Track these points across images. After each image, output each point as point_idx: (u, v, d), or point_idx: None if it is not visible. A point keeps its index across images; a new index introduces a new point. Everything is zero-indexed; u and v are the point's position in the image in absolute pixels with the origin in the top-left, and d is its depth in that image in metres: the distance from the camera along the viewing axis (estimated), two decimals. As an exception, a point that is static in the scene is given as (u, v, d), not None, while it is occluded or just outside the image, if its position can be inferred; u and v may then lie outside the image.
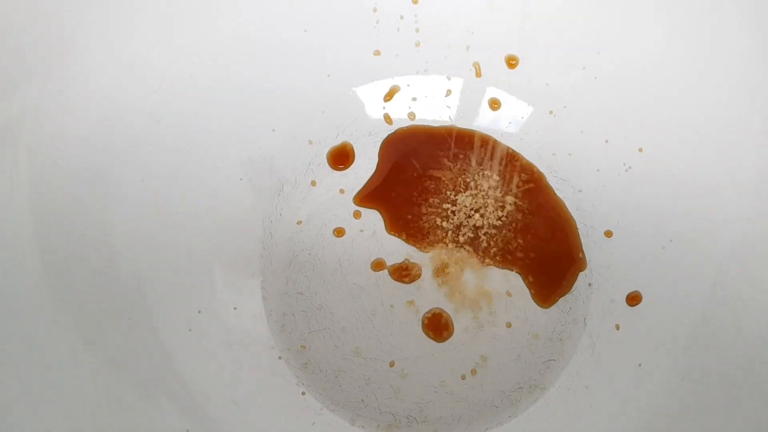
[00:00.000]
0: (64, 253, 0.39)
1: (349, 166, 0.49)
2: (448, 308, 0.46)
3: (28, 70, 0.38)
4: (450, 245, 0.47)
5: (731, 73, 0.42)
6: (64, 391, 0.37)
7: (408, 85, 0.49)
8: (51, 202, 0.39)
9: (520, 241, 0.47)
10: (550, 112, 0.48)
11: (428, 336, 0.46)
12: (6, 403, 0.35)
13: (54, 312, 0.38)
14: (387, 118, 0.49)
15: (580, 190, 0.48)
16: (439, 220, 0.47)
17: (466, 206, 0.47)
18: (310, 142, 0.48)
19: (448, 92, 0.49)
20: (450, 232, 0.47)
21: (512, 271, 0.47)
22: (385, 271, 0.47)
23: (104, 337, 0.40)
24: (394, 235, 0.48)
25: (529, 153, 0.48)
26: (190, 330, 0.43)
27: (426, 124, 0.49)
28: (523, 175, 0.48)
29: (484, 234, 0.47)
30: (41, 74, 0.39)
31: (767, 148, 0.42)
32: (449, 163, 0.48)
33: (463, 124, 0.49)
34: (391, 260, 0.47)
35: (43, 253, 0.38)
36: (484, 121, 0.49)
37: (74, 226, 0.40)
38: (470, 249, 0.47)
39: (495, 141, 0.48)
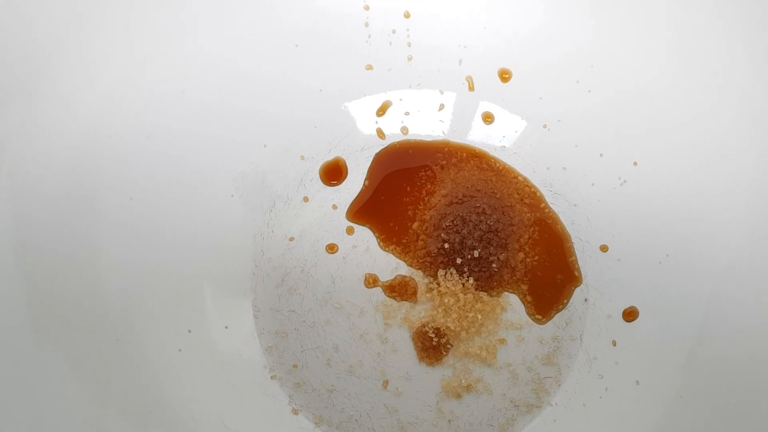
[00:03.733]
0: (51, 273, 0.39)
1: (341, 181, 0.48)
2: (442, 325, 0.45)
3: (12, 90, 0.38)
4: (444, 262, 0.46)
5: (729, 90, 0.42)
6: (50, 415, 0.37)
7: (401, 100, 0.48)
8: (36, 224, 0.38)
9: (515, 257, 0.46)
10: (544, 126, 0.47)
11: (421, 358, 0.45)
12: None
13: (40, 334, 0.38)
14: (380, 133, 0.48)
15: (575, 205, 0.47)
16: (432, 237, 0.47)
17: (460, 222, 0.47)
18: (303, 158, 0.48)
19: (441, 107, 0.48)
20: (444, 249, 0.46)
21: (507, 290, 0.46)
22: (379, 288, 0.46)
23: (92, 358, 0.39)
24: (388, 251, 0.47)
25: (523, 167, 0.48)
26: (180, 350, 0.42)
27: (419, 138, 0.49)
28: (517, 190, 0.48)
29: (478, 250, 0.46)
30: (25, 93, 0.38)
31: (763, 160, 0.42)
32: (443, 179, 0.48)
33: (456, 139, 0.48)
34: (385, 277, 0.47)
35: (29, 274, 0.38)
36: (477, 136, 0.48)
37: (61, 246, 0.39)
38: (465, 266, 0.46)
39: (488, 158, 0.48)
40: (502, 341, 0.45)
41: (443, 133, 0.49)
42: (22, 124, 0.38)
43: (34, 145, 0.38)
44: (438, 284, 0.46)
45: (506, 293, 0.46)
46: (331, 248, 0.47)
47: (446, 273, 0.46)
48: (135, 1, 0.41)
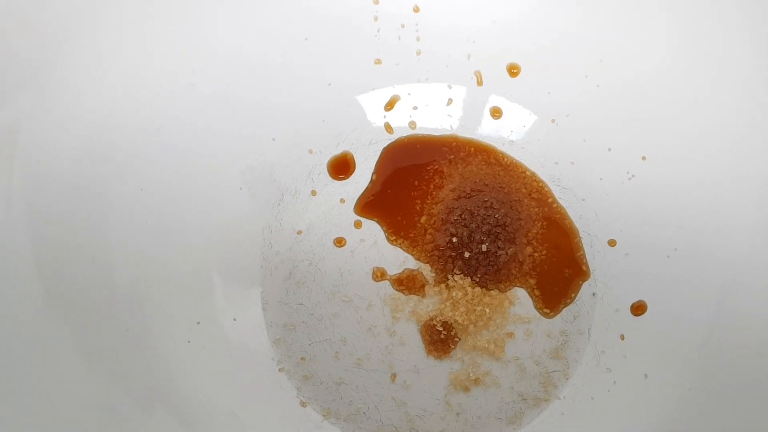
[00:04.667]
0: (62, 265, 0.39)
1: (349, 175, 0.48)
2: (450, 319, 0.45)
3: (22, 82, 0.38)
4: (452, 256, 0.46)
5: (736, 81, 0.42)
6: (62, 405, 0.37)
7: (409, 94, 0.48)
8: (47, 214, 0.38)
9: (523, 251, 0.47)
10: (553, 121, 0.47)
11: (429, 351, 0.45)
12: (3, 417, 0.35)
13: (51, 324, 0.38)
14: (388, 127, 0.49)
15: (583, 199, 0.47)
16: (440, 231, 0.47)
17: (468, 216, 0.47)
18: (311, 152, 0.48)
19: (450, 101, 0.48)
20: (452, 243, 0.46)
21: (515, 285, 0.46)
22: (387, 282, 0.46)
23: (102, 349, 0.39)
24: (396, 245, 0.47)
25: (531, 162, 0.48)
26: (189, 342, 0.43)
27: (427, 133, 0.49)
28: (525, 185, 0.48)
29: (486, 244, 0.46)
30: (35, 86, 0.38)
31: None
32: (451, 173, 0.48)
33: (464, 133, 0.49)
34: (393, 270, 0.47)
35: (40, 265, 0.38)
36: (486, 130, 0.48)
37: (71, 237, 0.39)
38: (474, 259, 0.46)
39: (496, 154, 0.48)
40: (510, 335, 0.45)
41: (451, 127, 0.49)
42: (33, 114, 0.38)
43: (45, 135, 0.38)
44: (445, 277, 0.46)
45: (515, 288, 0.46)
46: (339, 242, 0.47)
47: (454, 266, 0.46)
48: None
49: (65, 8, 0.38)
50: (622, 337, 0.45)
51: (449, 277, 0.46)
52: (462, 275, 0.46)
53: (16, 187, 0.37)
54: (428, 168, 0.48)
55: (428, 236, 0.47)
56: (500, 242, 0.46)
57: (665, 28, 0.43)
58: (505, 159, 0.48)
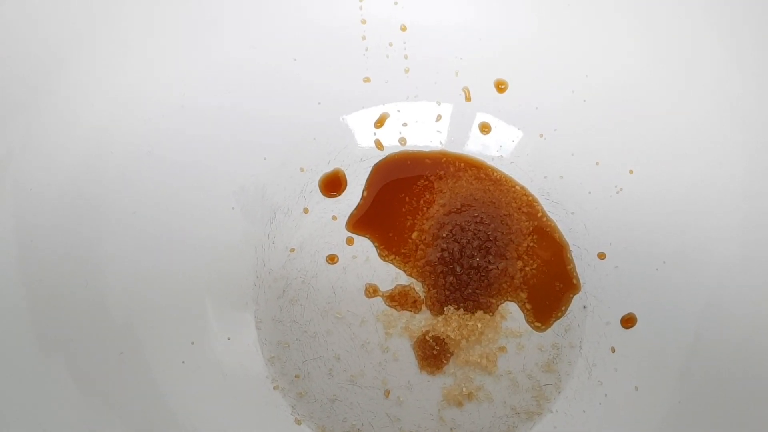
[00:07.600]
0: (54, 287, 0.39)
1: (341, 192, 0.49)
2: (442, 334, 0.46)
3: (12, 109, 0.38)
4: (444, 272, 0.47)
5: (720, 97, 0.42)
6: (54, 427, 0.37)
7: (398, 111, 0.49)
8: (39, 237, 0.39)
9: (514, 265, 0.47)
10: (541, 136, 0.48)
11: (422, 366, 0.45)
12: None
13: (44, 347, 0.38)
14: (378, 144, 0.49)
15: (572, 213, 0.48)
16: (431, 246, 0.47)
17: (459, 231, 0.47)
18: (302, 170, 0.48)
19: (439, 117, 0.49)
20: (444, 258, 0.47)
21: (506, 299, 0.47)
22: (379, 298, 0.47)
23: (95, 372, 0.39)
24: (388, 261, 0.47)
25: (520, 176, 0.48)
26: (183, 362, 0.43)
27: (417, 149, 0.49)
28: (515, 199, 0.48)
29: (477, 259, 0.47)
30: (26, 112, 0.39)
31: (755, 166, 0.42)
32: (441, 188, 0.48)
33: (454, 149, 0.49)
34: (385, 287, 0.47)
35: (33, 288, 0.38)
36: (474, 146, 0.49)
37: (64, 260, 0.40)
38: (465, 274, 0.47)
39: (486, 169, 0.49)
40: (502, 349, 0.46)
41: (441, 143, 0.49)
42: (24, 141, 0.39)
43: (36, 162, 0.39)
44: (437, 292, 0.46)
45: (506, 302, 0.47)
46: (332, 259, 0.48)
47: (446, 281, 0.46)
48: (131, 21, 0.42)
49: (51, 40, 0.39)
50: (613, 350, 0.45)
51: (440, 291, 0.46)
52: (453, 290, 0.46)
53: (8, 212, 0.38)
54: (418, 184, 0.49)
55: (420, 252, 0.47)
56: (491, 257, 0.47)
57: (651, 44, 0.44)
58: (495, 174, 0.49)
